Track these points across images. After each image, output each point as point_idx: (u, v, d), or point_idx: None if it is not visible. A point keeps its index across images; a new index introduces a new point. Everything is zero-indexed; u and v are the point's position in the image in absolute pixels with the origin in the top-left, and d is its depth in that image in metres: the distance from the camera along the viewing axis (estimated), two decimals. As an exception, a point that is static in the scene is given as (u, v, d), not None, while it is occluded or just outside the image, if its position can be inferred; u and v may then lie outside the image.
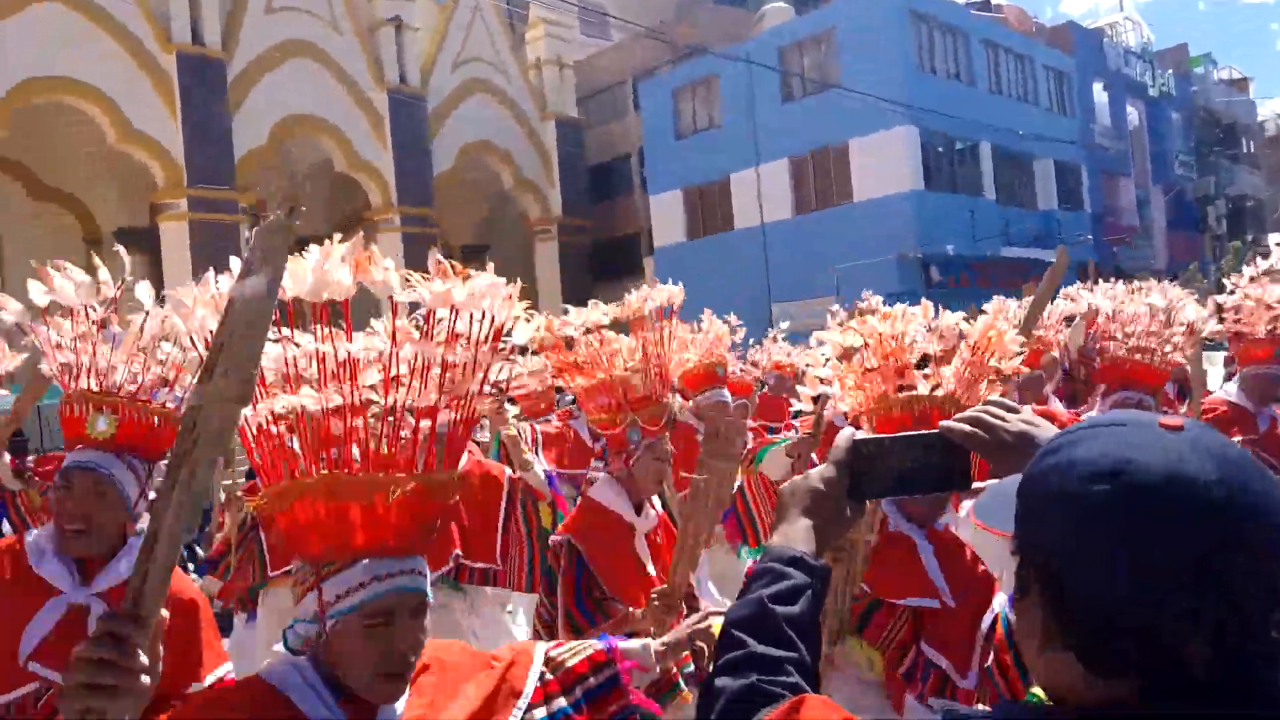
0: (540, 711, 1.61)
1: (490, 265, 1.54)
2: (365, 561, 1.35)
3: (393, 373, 1.41)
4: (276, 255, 1.25)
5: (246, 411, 1.36)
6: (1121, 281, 5.93)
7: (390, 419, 1.39)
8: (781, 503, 1.20)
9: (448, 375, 1.43)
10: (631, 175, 28.35)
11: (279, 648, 1.43)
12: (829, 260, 21.46)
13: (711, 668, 1.07)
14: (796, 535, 1.14)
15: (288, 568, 4.30)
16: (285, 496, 1.37)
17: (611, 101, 29.06)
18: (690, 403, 5.21)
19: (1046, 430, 1.14)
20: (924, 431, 1.23)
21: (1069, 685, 0.83)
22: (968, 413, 1.20)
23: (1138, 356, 3.94)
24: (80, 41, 17.47)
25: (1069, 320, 5.95)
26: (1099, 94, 29.53)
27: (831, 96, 21.71)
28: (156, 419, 2.22)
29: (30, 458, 6.15)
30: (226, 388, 1.23)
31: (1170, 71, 33.96)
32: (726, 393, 5.39)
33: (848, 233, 21.50)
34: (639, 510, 3.06)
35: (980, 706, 2.15)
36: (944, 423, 1.20)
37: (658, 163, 25.92)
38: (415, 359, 1.42)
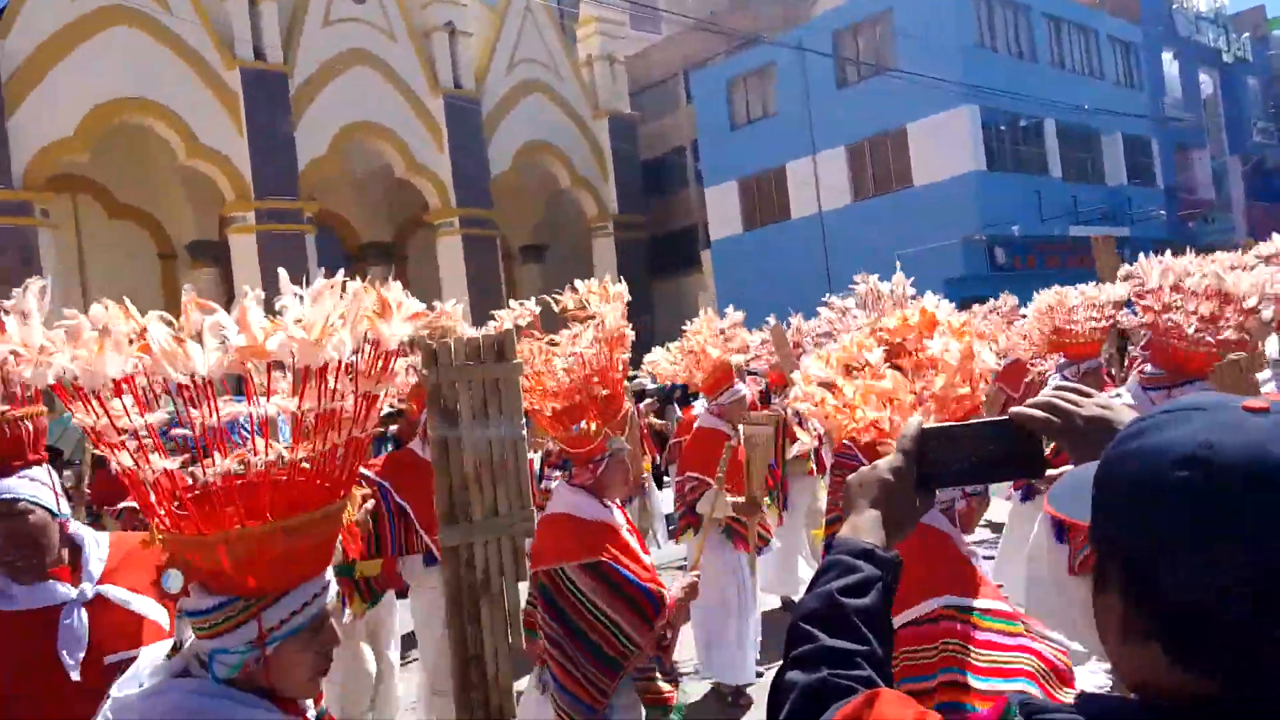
0: None
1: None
2: (303, 585, 1.44)
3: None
4: (514, 398, 1.32)
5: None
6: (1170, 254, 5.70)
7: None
8: (849, 494, 1.18)
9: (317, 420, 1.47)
10: (686, 168, 28.29)
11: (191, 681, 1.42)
12: (890, 247, 20.99)
13: (781, 662, 1.06)
14: (865, 527, 1.12)
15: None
16: (214, 544, 1.39)
17: (664, 95, 29.02)
18: (713, 403, 5.28)
19: (1123, 414, 1.10)
20: (994, 418, 1.20)
21: (1154, 678, 0.80)
22: (1040, 397, 1.16)
23: (1183, 345, 3.73)
24: (150, 63, 18.11)
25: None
26: (1169, 64, 28.45)
27: (888, 80, 21.32)
28: (22, 424, 2.08)
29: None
30: (510, 519, 1.28)
31: (1246, 35, 32.52)
32: (743, 388, 5.41)
33: (909, 218, 21.12)
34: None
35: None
36: (1015, 409, 1.16)
37: (712, 154, 25.80)
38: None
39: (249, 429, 1.41)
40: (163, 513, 1.40)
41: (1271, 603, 0.72)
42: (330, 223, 23.31)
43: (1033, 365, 6.29)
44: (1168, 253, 4.66)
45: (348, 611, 3.77)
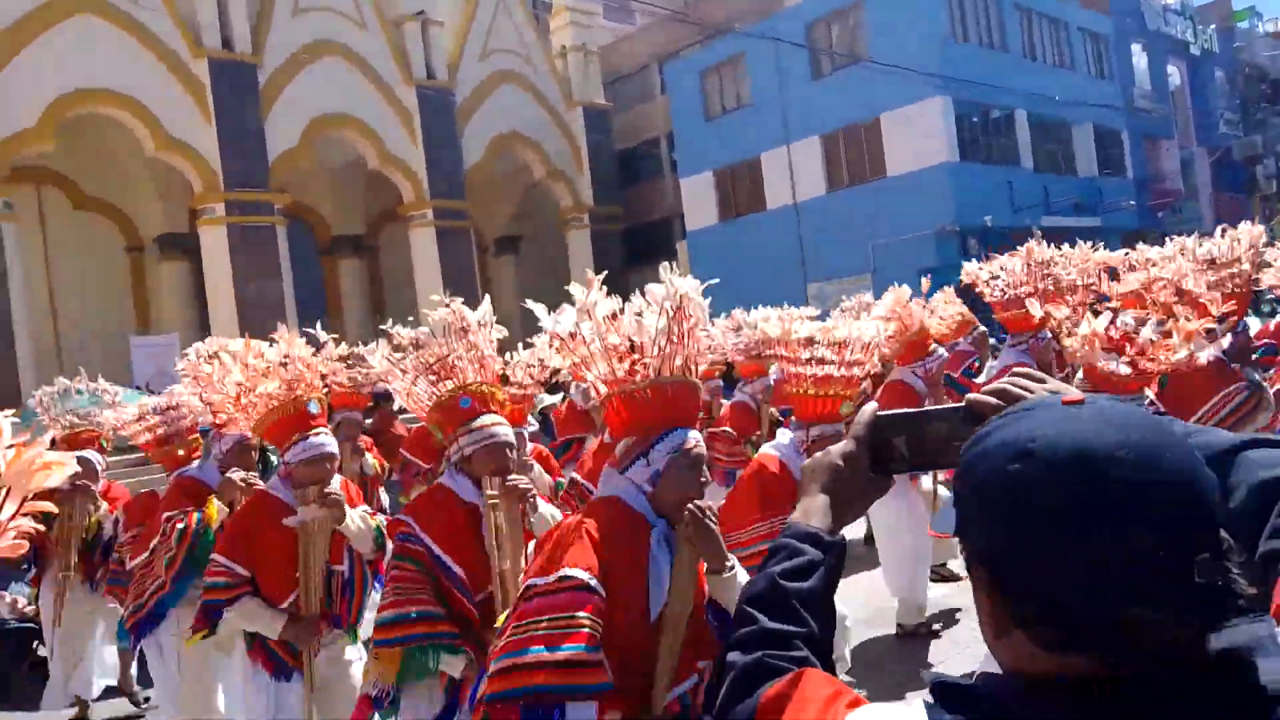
0: None
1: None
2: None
3: None
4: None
5: None
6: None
7: None
8: (803, 480, 1.22)
9: None
10: (661, 159, 28.24)
11: None
12: (864, 237, 21.22)
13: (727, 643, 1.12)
14: (815, 511, 1.16)
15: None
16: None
17: (638, 85, 28.94)
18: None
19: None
20: (948, 405, 1.22)
21: (1028, 665, 0.84)
22: (994, 384, 1.20)
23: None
24: (115, 52, 17.77)
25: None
26: (1138, 55, 28.76)
27: (861, 70, 21.39)
28: None
29: None
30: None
31: (1212, 28, 32.95)
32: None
33: (883, 208, 21.24)
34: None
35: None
36: (970, 395, 1.19)
37: (687, 145, 25.78)
38: None
39: None
40: None
41: (1116, 581, 0.77)
42: (302, 215, 23.05)
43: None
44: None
45: None
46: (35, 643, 6.21)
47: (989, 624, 0.88)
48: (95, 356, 14.33)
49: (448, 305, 3.30)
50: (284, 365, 3.59)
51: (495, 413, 3.17)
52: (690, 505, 2.26)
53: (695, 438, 2.33)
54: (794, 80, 23.11)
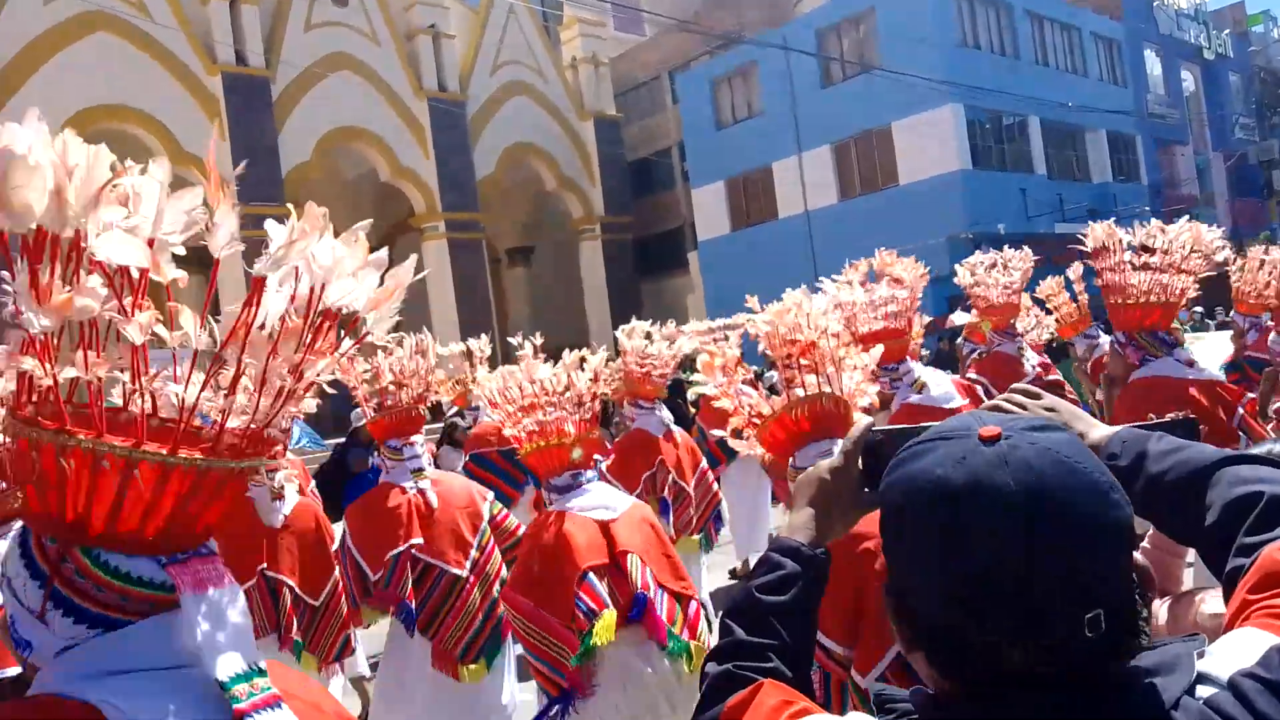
0: None
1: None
2: None
3: None
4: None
5: None
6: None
7: None
8: (794, 494, 1.24)
9: None
10: (673, 169, 28.26)
11: None
12: (877, 245, 20.95)
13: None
14: (799, 525, 1.18)
15: None
16: None
17: (649, 96, 28.99)
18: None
19: (1066, 415, 1.17)
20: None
21: (930, 683, 0.89)
22: (990, 401, 1.22)
23: None
24: (130, 68, 17.96)
25: None
26: (1151, 60, 28.63)
27: (873, 78, 21.37)
28: None
29: None
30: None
31: (1227, 32, 32.79)
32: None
33: (895, 216, 21.16)
34: None
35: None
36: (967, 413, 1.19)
37: (698, 155, 25.79)
38: None
39: None
40: None
41: (995, 623, 0.80)
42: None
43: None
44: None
45: None
46: None
47: (902, 644, 0.91)
48: (111, 369, 14.42)
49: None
50: None
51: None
52: None
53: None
54: (805, 89, 23.10)
